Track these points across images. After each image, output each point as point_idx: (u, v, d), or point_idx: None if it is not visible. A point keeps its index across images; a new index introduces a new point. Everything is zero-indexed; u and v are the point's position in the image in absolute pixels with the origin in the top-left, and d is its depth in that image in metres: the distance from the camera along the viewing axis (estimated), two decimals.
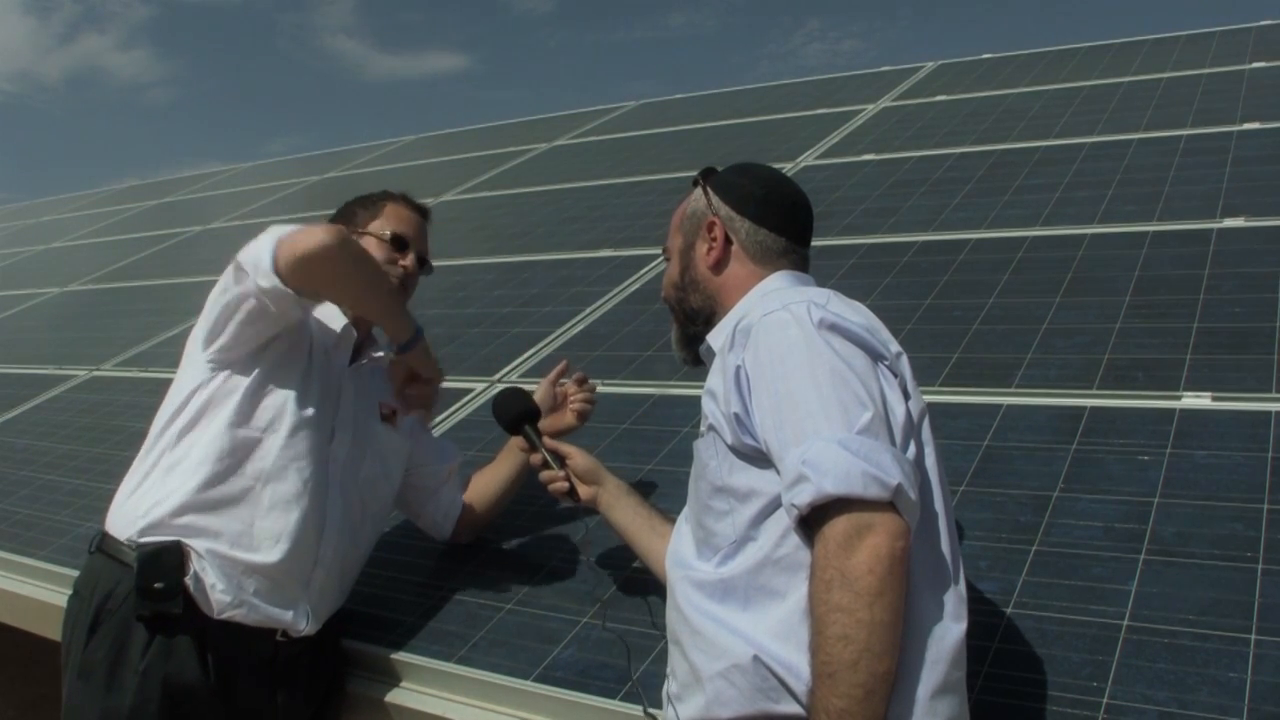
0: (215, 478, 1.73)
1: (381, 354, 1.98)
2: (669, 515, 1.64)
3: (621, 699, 1.61)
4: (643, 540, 1.67)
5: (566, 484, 1.72)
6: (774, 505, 1.24)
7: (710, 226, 1.52)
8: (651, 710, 1.53)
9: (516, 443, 1.89)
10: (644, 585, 1.81)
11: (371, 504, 1.93)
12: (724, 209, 1.52)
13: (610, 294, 3.36)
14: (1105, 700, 1.39)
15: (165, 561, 1.68)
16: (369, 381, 1.97)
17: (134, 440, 1.92)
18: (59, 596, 2.08)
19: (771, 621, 1.22)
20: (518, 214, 4.81)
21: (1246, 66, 4.21)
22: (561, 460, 1.75)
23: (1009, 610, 1.59)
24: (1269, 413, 1.93)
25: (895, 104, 5.02)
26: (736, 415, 1.29)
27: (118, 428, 3.32)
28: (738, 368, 1.31)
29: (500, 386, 2.47)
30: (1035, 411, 2.10)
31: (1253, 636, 1.44)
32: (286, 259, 1.66)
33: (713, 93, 6.65)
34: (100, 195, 9.65)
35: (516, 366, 2.98)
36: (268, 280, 1.66)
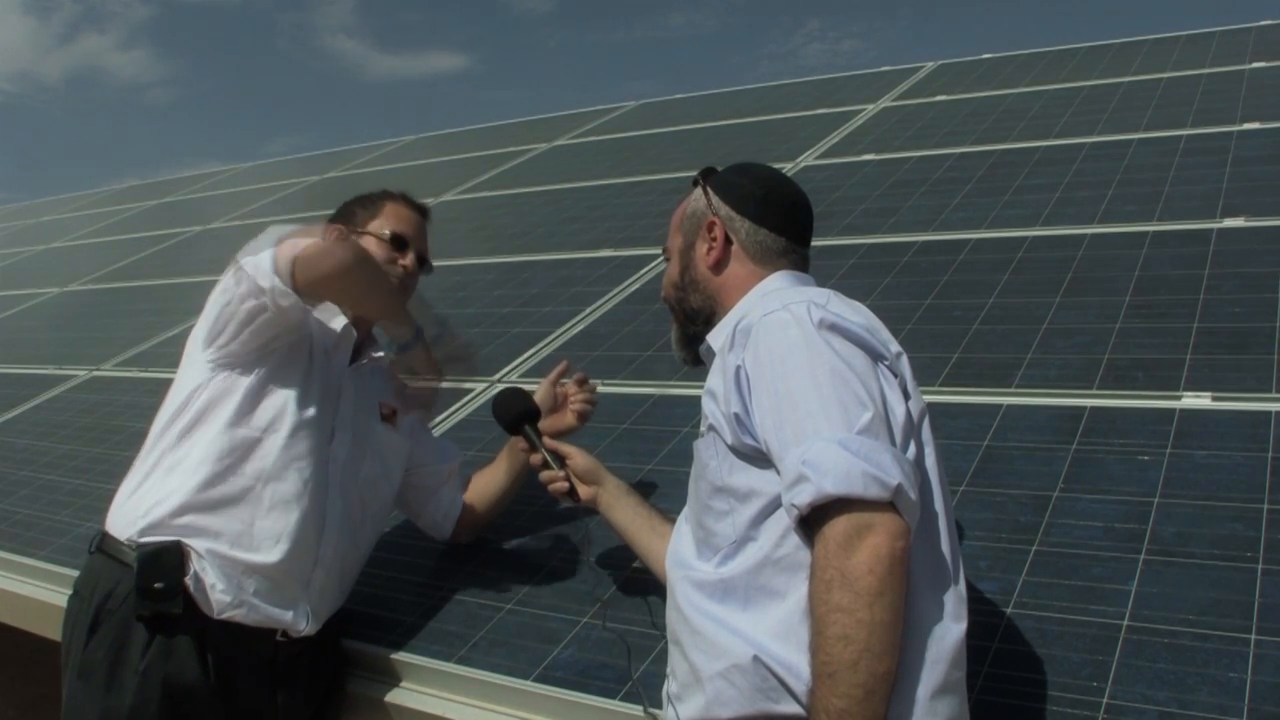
0: (215, 477, 1.73)
1: (381, 354, 1.99)
2: (669, 515, 1.64)
3: (621, 699, 1.61)
4: (643, 540, 1.67)
5: (566, 484, 1.72)
6: (774, 505, 1.24)
7: (710, 226, 1.52)
8: (652, 710, 1.53)
9: (516, 443, 1.89)
10: (644, 585, 1.81)
11: (371, 504, 1.93)
12: (724, 209, 1.52)
13: (610, 294, 3.36)
14: (1105, 700, 1.39)
15: (165, 561, 1.68)
16: (369, 381, 1.97)
17: (134, 440, 1.92)
18: (59, 596, 2.08)
19: (771, 621, 1.22)
20: (518, 214, 4.81)
21: (1246, 66, 4.21)
22: (561, 460, 1.75)
23: (1009, 610, 1.59)
24: (1269, 413, 1.93)
25: (895, 104, 5.02)
26: (736, 415, 1.29)
27: (118, 428, 3.32)
28: (738, 368, 1.31)
29: (500, 386, 2.47)
30: (1035, 411, 2.10)
31: (1253, 636, 1.44)
32: (288, 262, 1.67)
33: (713, 93, 6.65)
34: (100, 195, 9.65)
35: (516, 366, 2.98)
36: (269, 282, 1.67)
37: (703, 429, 1.37)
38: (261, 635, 1.76)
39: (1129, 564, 1.62)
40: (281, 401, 1.78)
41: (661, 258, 1.72)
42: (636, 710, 1.57)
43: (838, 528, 1.14)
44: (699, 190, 1.57)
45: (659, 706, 1.46)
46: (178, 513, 1.71)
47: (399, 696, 1.82)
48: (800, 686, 1.17)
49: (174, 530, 1.71)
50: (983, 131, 4.15)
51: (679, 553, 1.39)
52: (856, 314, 1.35)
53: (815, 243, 1.59)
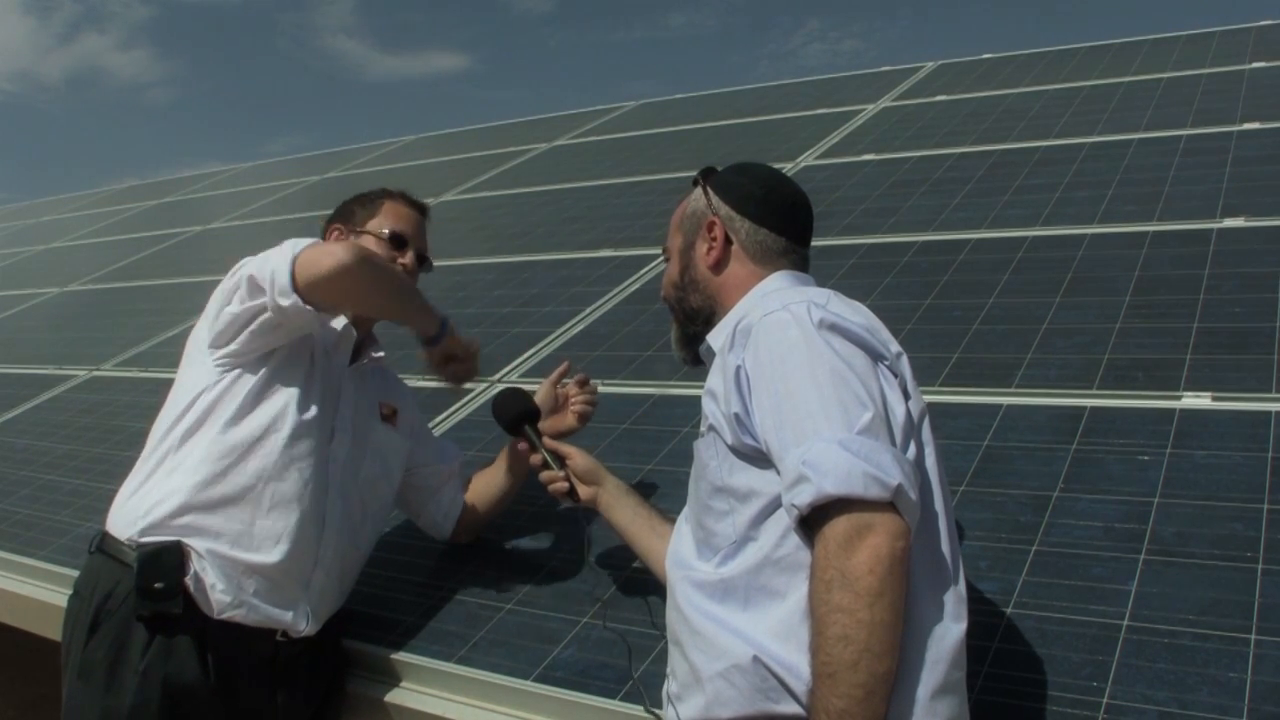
0: (216, 477, 1.73)
1: (382, 354, 1.99)
2: (669, 515, 1.64)
3: (622, 699, 1.61)
4: (643, 540, 1.67)
5: (566, 484, 1.72)
6: (774, 505, 1.24)
7: (710, 226, 1.52)
8: (653, 709, 1.53)
9: (516, 443, 1.89)
10: (644, 585, 1.81)
11: (371, 504, 1.94)
12: (724, 209, 1.52)
13: (610, 294, 3.36)
14: (1105, 700, 1.39)
15: (165, 561, 1.68)
16: (369, 381, 1.97)
17: (134, 440, 1.92)
18: (59, 596, 2.08)
19: (771, 622, 1.22)
20: (518, 214, 4.81)
21: (1246, 66, 4.21)
22: (561, 460, 1.75)
23: (1009, 610, 1.59)
24: (1269, 413, 1.93)
25: (895, 104, 5.02)
26: (736, 415, 1.29)
27: (118, 428, 3.32)
28: (738, 368, 1.31)
29: (500, 387, 2.47)
30: (1035, 411, 2.10)
31: (1253, 636, 1.44)
32: (307, 279, 1.67)
33: (713, 93, 6.65)
34: (100, 195, 9.65)
35: (516, 366, 2.98)
36: (287, 299, 1.67)
37: (703, 429, 1.37)
38: (261, 635, 1.76)
39: (1129, 564, 1.62)
40: (283, 402, 1.78)
41: (661, 258, 1.72)
42: (637, 710, 1.57)
43: (838, 528, 1.14)
44: (699, 190, 1.57)
45: (659, 706, 1.46)
46: (178, 513, 1.71)
47: (399, 696, 1.82)
48: (800, 687, 1.17)
49: (174, 530, 1.71)
50: (983, 131, 4.15)
51: (679, 553, 1.39)
52: (856, 314, 1.35)
53: (815, 243, 1.59)
